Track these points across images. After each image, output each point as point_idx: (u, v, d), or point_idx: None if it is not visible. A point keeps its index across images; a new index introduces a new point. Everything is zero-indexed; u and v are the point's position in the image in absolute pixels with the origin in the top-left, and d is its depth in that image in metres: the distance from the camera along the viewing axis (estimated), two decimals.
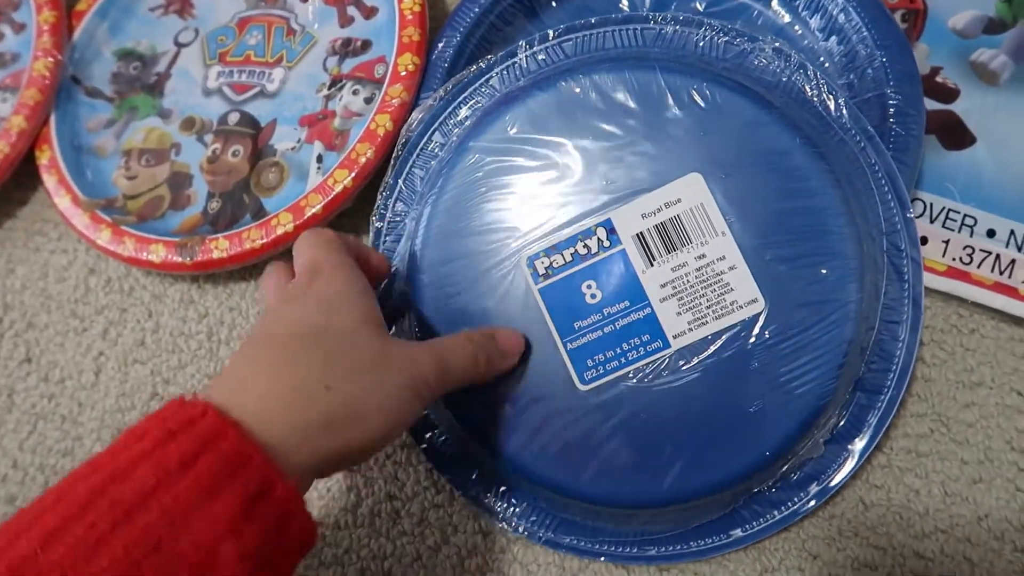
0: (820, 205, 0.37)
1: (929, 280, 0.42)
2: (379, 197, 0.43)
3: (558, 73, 0.40)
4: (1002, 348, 0.42)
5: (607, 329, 0.38)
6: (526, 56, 0.42)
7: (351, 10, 0.51)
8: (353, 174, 0.44)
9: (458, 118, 0.42)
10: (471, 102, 0.42)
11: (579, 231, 0.38)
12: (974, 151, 0.44)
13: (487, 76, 0.42)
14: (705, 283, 0.37)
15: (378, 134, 0.44)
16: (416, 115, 0.43)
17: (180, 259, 0.46)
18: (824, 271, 0.36)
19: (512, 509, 0.40)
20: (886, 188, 0.38)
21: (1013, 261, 0.41)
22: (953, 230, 0.42)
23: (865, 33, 0.43)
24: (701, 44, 0.40)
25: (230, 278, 0.49)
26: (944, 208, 0.42)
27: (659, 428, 0.37)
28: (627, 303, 0.37)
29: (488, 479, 0.41)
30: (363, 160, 0.44)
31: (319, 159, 0.47)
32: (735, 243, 0.37)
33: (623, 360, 0.37)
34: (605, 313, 0.38)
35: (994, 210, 0.42)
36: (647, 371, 0.37)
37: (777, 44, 0.39)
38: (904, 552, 0.39)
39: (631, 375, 0.37)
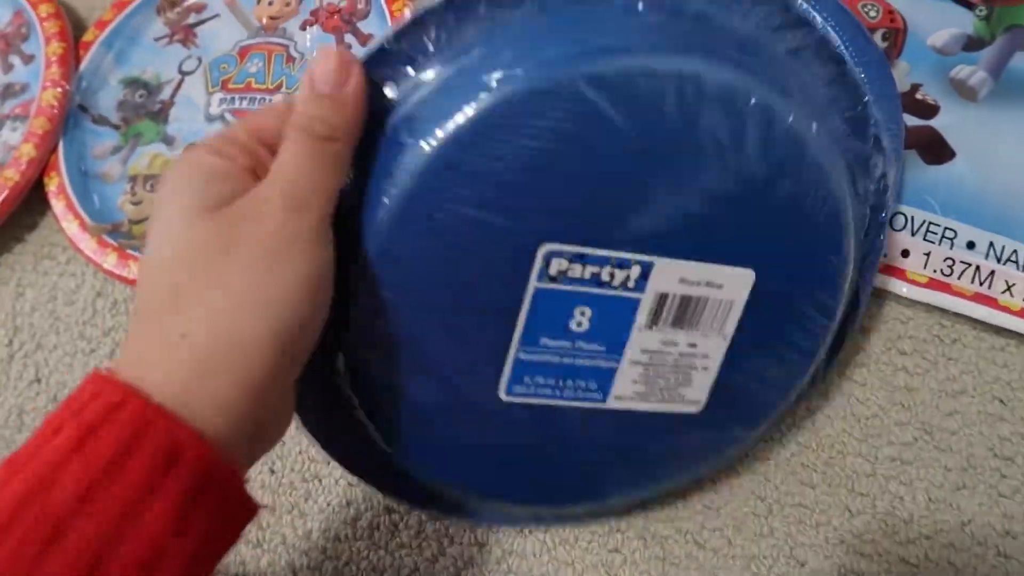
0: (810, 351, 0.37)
1: (911, 292, 0.43)
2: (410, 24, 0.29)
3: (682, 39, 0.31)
4: (983, 357, 0.42)
5: (565, 360, 0.34)
6: None
7: (348, 38, 0.52)
8: None
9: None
10: None
11: (617, 257, 0.32)
12: (954, 165, 0.45)
13: None
14: (676, 369, 0.35)
15: None
16: None
17: None
18: (772, 394, 0.37)
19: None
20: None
21: (993, 272, 0.42)
22: (934, 242, 0.43)
23: None
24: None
25: None
26: (925, 221, 0.43)
27: (556, 457, 0.37)
28: (603, 348, 0.34)
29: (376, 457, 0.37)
30: None
31: None
32: (725, 350, 0.35)
33: (557, 394, 0.35)
34: (576, 346, 0.34)
35: (974, 223, 0.43)
36: (571, 413, 0.36)
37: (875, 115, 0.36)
38: (890, 559, 0.40)
39: (556, 408, 0.35)
